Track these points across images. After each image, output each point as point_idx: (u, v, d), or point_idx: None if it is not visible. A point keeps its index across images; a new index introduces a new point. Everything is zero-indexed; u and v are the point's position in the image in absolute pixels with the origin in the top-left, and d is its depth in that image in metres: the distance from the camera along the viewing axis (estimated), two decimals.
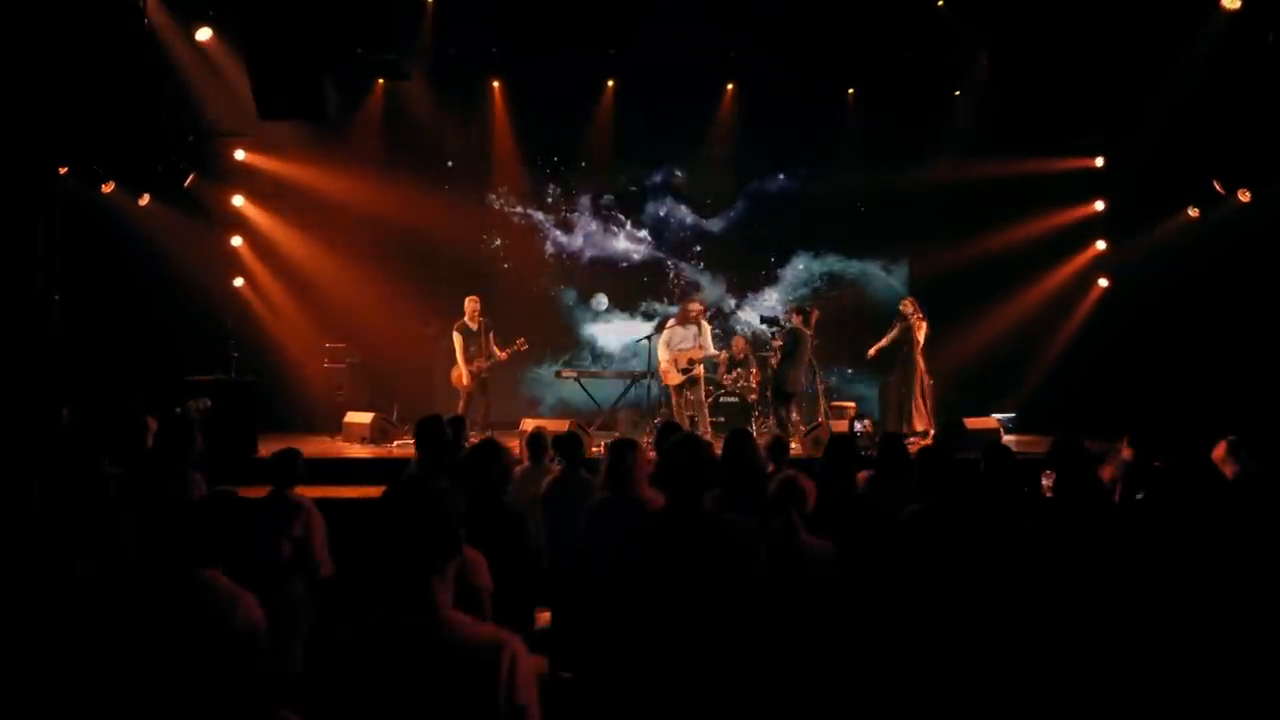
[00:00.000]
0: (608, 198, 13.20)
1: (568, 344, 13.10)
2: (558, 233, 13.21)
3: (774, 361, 10.00)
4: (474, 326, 10.04)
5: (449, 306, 10.66)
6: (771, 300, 13.17)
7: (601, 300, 13.26)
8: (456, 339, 10.04)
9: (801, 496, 3.75)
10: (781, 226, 13.09)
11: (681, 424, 9.68)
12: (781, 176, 13.17)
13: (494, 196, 13.01)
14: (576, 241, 13.26)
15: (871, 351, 10.50)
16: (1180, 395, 9.53)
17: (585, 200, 13.21)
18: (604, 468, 4.16)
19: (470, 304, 10.09)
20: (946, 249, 11.66)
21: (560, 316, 13.12)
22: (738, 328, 12.73)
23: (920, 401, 10.10)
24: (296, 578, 4.52)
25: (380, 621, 2.03)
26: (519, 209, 13.11)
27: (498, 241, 13.05)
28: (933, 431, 9.89)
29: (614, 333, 13.24)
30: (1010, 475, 4.55)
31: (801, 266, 13.33)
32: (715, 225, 13.44)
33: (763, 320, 11.14)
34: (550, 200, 13.14)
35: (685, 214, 13.39)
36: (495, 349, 9.99)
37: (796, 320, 9.59)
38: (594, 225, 13.29)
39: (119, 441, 4.40)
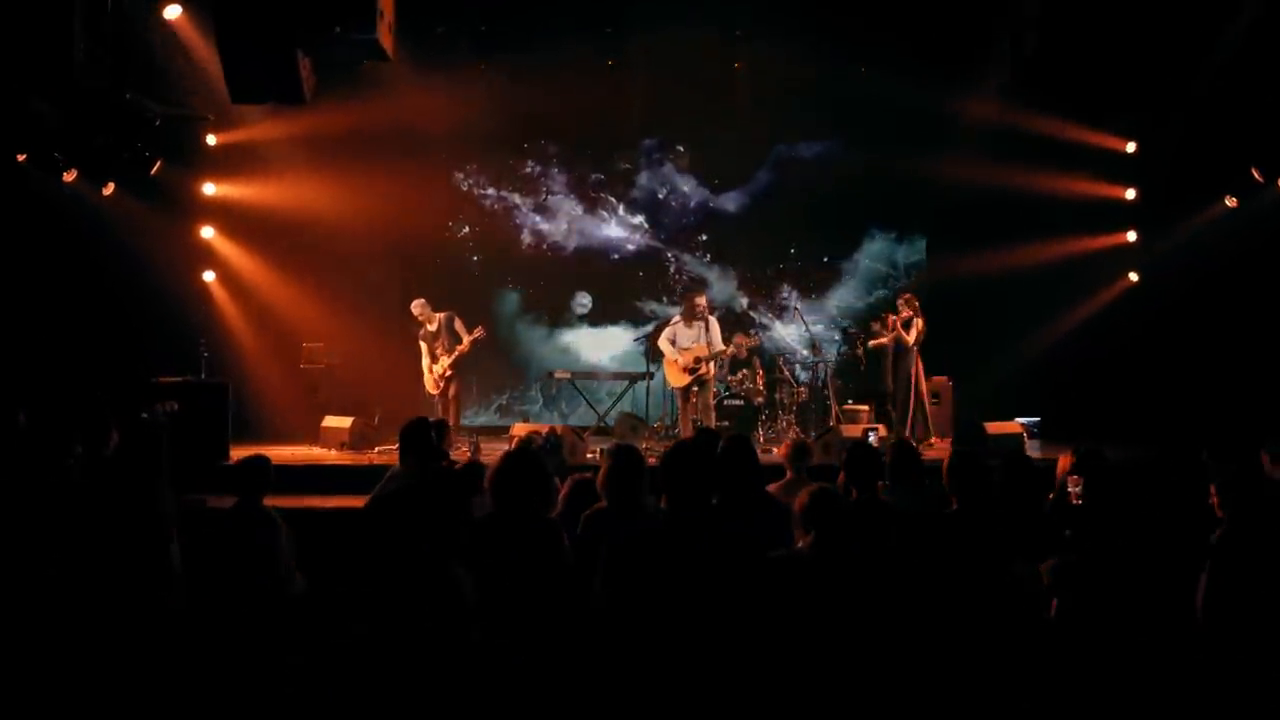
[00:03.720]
0: (596, 177, 12.38)
1: (516, 376, 12.19)
2: (536, 218, 12.39)
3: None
4: (432, 327, 10.09)
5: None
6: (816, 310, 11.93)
7: (584, 301, 12.46)
8: (422, 346, 10.16)
9: (837, 510, 3.72)
10: (831, 203, 11.81)
11: (685, 429, 9.68)
12: (819, 143, 11.90)
13: (461, 175, 12.32)
14: (560, 228, 12.32)
15: (872, 344, 10.52)
16: (1217, 399, 9.52)
17: (572, 180, 12.35)
18: (602, 476, 4.15)
19: (415, 309, 10.13)
20: (966, 236, 11.51)
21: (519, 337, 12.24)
22: (760, 336, 11.49)
23: (916, 410, 10.05)
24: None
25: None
26: (491, 190, 12.41)
27: (465, 229, 12.47)
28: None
29: (597, 344, 12.35)
30: (1030, 485, 4.58)
31: (875, 256, 12.01)
32: (730, 203, 12.22)
33: (845, 334, 11.10)
34: (529, 176, 12.31)
35: (690, 194, 12.33)
36: (465, 335, 10.01)
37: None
38: (579, 209, 12.34)
39: (79, 448, 4.37)
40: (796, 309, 11.97)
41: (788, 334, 12.20)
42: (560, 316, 12.46)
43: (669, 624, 3.14)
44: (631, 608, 3.21)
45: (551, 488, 4.07)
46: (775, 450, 9.27)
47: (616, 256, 12.45)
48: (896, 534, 4.23)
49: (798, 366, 11.31)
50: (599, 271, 12.40)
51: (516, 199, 12.38)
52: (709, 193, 12.35)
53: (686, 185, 12.36)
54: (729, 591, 3.20)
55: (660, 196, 12.39)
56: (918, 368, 10.05)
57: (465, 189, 12.41)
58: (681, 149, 12.33)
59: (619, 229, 12.41)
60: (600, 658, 3.40)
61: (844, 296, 12.31)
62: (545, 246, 12.40)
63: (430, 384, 10.15)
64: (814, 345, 10.94)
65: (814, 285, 12.41)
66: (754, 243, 12.33)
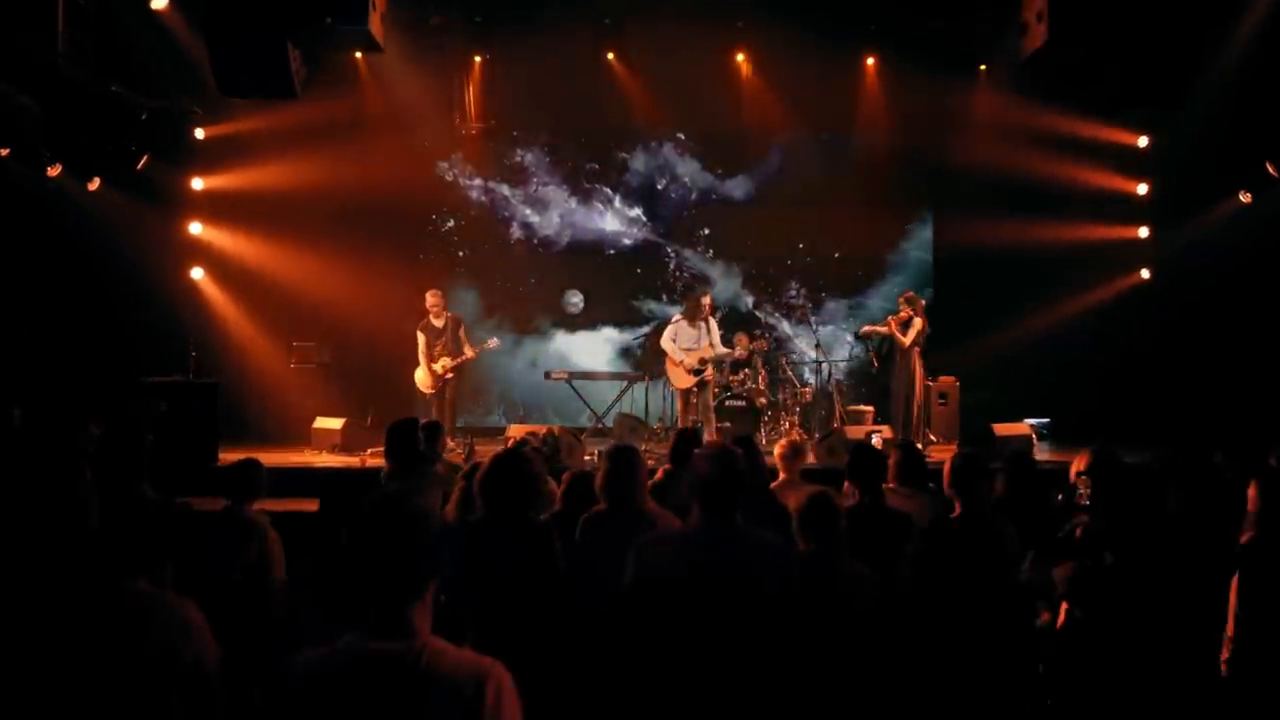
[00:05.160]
0: (590, 166, 11.99)
1: (472, 393, 11.61)
2: (527, 211, 12.03)
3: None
4: (438, 323, 10.05)
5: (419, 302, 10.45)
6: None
7: (576, 299, 12.06)
8: (420, 339, 10.09)
9: (838, 515, 3.69)
10: (848, 193, 11.42)
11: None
12: (826, 134, 11.46)
13: (445, 165, 11.98)
14: (552, 221, 11.92)
15: (862, 330, 10.53)
16: (1231, 399, 9.51)
17: (564, 169, 11.97)
18: (601, 477, 4.12)
19: (431, 299, 10.07)
20: (973, 234, 11.35)
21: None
22: (767, 339, 11.21)
23: (914, 410, 9.96)
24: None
25: (351, 647, 2.00)
26: (478, 181, 12.06)
27: (450, 223, 12.22)
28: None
29: (587, 349, 11.96)
30: (1034, 487, 4.59)
31: (925, 246, 11.56)
32: (735, 190, 11.77)
33: (858, 337, 11.02)
34: (519, 166, 11.96)
35: (690, 183, 11.89)
36: (466, 345, 10.00)
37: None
38: (572, 201, 11.92)
39: (59, 446, 4.34)
40: (804, 308, 11.93)
41: (797, 336, 12.02)
42: (532, 324, 12.05)
43: (704, 630, 3.12)
44: (665, 614, 3.18)
45: (544, 490, 4.03)
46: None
47: (612, 251, 12.09)
48: (899, 538, 4.21)
49: (805, 368, 11.24)
50: (593, 268, 12.04)
51: (505, 190, 12.06)
52: (712, 180, 11.96)
53: (687, 174, 11.93)
54: (764, 599, 3.18)
55: (659, 186, 12.02)
56: (917, 369, 9.99)
57: (450, 179, 12.11)
58: (682, 136, 12.00)
59: (614, 221, 12.03)
60: (608, 661, 3.38)
61: (888, 294, 11.57)
62: (536, 241, 12.10)
63: (425, 382, 10.08)
64: (818, 345, 10.90)
65: (844, 283, 12.06)
66: (760, 236, 11.92)
